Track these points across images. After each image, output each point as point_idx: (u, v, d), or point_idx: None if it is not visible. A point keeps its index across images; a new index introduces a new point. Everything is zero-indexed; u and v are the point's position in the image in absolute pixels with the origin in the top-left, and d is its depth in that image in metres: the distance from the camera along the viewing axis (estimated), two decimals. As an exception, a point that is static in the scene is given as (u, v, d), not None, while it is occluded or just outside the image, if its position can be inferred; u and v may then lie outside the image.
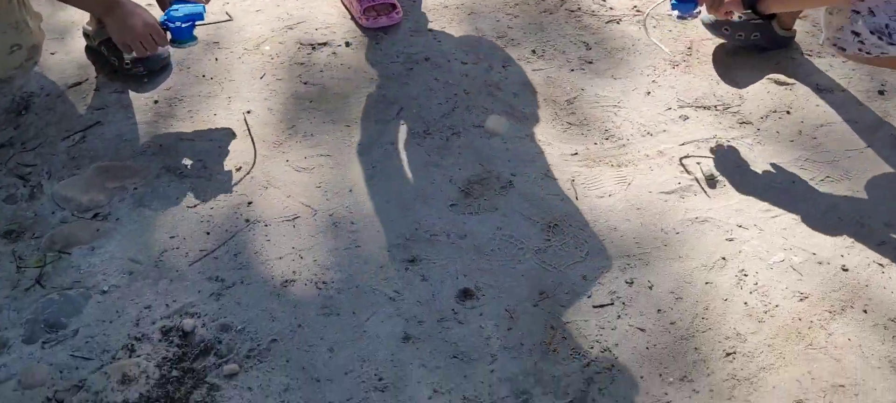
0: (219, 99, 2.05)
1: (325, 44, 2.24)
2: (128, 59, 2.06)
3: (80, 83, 2.10)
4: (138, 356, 1.47)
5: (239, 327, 1.52)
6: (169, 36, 1.90)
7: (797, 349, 1.47)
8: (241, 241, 1.69)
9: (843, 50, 1.83)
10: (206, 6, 1.96)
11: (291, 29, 2.30)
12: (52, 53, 2.19)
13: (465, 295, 1.58)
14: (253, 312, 1.55)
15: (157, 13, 1.95)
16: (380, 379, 1.44)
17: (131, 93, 2.06)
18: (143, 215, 1.74)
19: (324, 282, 1.61)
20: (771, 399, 1.40)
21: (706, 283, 1.60)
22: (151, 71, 2.10)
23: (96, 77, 2.11)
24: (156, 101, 2.05)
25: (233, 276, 1.61)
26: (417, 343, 1.49)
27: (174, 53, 2.13)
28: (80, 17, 2.24)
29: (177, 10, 1.90)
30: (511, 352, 1.48)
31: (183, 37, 1.91)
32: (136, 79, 2.09)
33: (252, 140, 1.92)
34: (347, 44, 2.24)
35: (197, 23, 1.91)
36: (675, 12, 2.00)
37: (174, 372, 1.45)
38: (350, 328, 1.52)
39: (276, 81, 2.11)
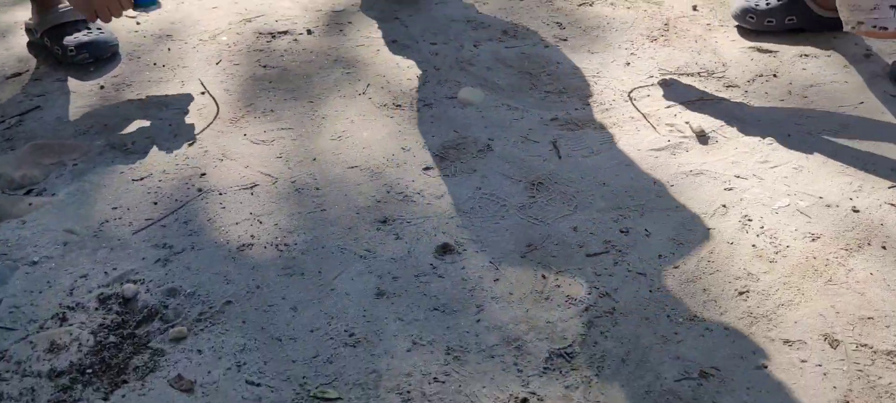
0: (171, 83, 1.90)
1: (285, 32, 2.12)
2: (72, 46, 1.92)
3: (19, 73, 1.94)
4: (71, 324, 1.27)
5: (188, 291, 1.33)
6: (133, 1, 1.78)
7: (816, 285, 1.33)
8: (193, 210, 1.51)
9: (885, 29, 1.70)
10: None
11: (250, 21, 2.18)
12: (-9, 49, 2.04)
13: (445, 249, 1.42)
14: (204, 276, 1.36)
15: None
16: (351, 335, 1.25)
17: (75, 81, 1.91)
18: (82, 189, 1.56)
19: (285, 244, 1.43)
20: (794, 333, 1.24)
21: (708, 229, 1.46)
22: (98, 58, 1.95)
23: (37, 68, 1.96)
24: (102, 87, 1.89)
25: (182, 243, 1.43)
26: (393, 299, 1.32)
27: (122, 45, 1.99)
28: (23, 16, 2.10)
29: None
30: (499, 302, 1.31)
31: (146, 0, 1.79)
32: (82, 68, 1.94)
33: (213, 98, 1.78)
34: (309, 31, 2.12)
35: None
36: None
37: (111, 339, 1.25)
38: (315, 287, 1.34)
39: (234, 66, 1.97)
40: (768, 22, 2.00)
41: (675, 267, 1.37)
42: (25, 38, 2.06)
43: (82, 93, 1.86)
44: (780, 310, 1.28)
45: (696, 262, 1.38)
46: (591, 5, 2.23)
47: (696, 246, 1.42)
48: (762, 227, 1.45)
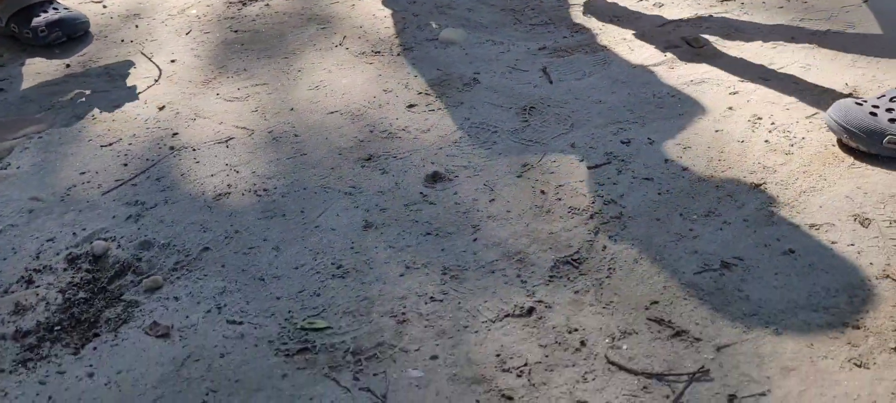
0: (139, 57, 1.81)
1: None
2: (43, 26, 1.83)
3: (-19, 63, 1.85)
4: (37, 286, 1.17)
5: (162, 243, 1.23)
6: None
7: (839, 170, 1.23)
8: (165, 167, 1.41)
9: None
10: None
11: (220, -6, 2.09)
12: (-48, 44, 1.95)
13: (435, 178, 1.32)
14: (179, 227, 1.26)
15: None
16: (338, 267, 1.15)
17: (42, 62, 1.82)
18: (48, 159, 1.46)
19: (264, 190, 1.33)
20: (820, 217, 1.14)
21: (716, 131, 1.36)
22: (70, 36, 1.87)
23: (1, 55, 1.87)
24: (68, 66, 1.80)
25: (154, 198, 1.34)
26: (382, 229, 1.22)
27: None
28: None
29: None
30: (496, 220, 1.21)
31: None
32: (48, 50, 1.85)
33: (155, 64, 1.69)
34: (282, -5, 2.04)
35: None
36: None
37: (81, 295, 1.15)
38: (298, 226, 1.24)
39: (204, 35, 1.88)
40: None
41: (684, 170, 1.27)
42: (14, 26, 1.97)
43: (48, 73, 1.77)
44: (803, 197, 1.18)
45: (706, 162, 1.28)
46: (572, -57, 2.14)
47: (705, 147, 1.32)
48: (773, 123, 1.35)
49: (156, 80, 1.69)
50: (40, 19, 1.85)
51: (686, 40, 1.63)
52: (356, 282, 1.12)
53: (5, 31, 1.90)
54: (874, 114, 1.22)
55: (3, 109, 1.65)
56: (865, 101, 1.25)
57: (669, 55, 1.60)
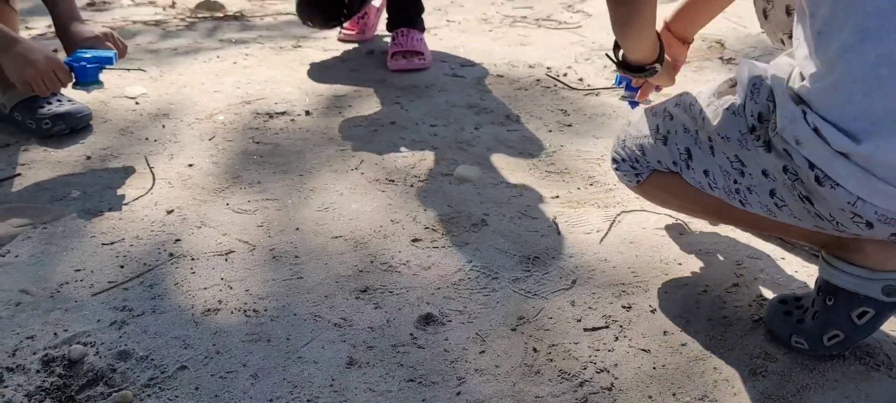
0: (160, 156, 1.84)
1: (283, 113, 2.08)
2: (47, 118, 1.88)
3: (8, 145, 1.90)
4: (6, 386, 1.15)
5: (141, 355, 1.20)
6: (73, 78, 1.72)
7: (841, 368, 1.17)
8: (160, 274, 1.40)
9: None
10: (117, 57, 1.79)
11: (249, 103, 2.14)
12: (-15, 123, 2.01)
13: (427, 320, 1.29)
14: (161, 340, 1.24)
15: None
16: (313, 405, 1.11)
17: (62, 152, 1.86)
18: (47, 251, 1.47)
19: (254, 310, 1.31)
20: (820, 417, 1.08)
21: (720, 307, 1.32)
22: (73, 128, 1.92)
23: (28, 140, 1.91)
24: (88, 157, 1.83)
25: (143, 306, 1.32)
26: (365, 368, 1.18)
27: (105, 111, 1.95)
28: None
29: (85, 52, 1.74)
30: (483, 375, 1.16)
31: (87, 78, 1.72)
32: (58, 138, 1.90)
33: (152, 173, 1.71)
34: (307, 112, 2.08)
35: (105, 66, 1.74)
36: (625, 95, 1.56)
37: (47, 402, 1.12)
38: (281, 354, 1.21)
39: (226, 143, 1.91)
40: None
41: (683, 345, 1.23)
42: (18, 115, 2.03)
43: (68, 163, 1.80)
44: (803, 394, 1.12)
45: (707, 340, 1.24)
46: (596, 95, 2.18)
47: (706, 322, 1.27)
48: (780, 307, 1.31)
49: (169, 184, 1.71)
50: (45, 111, 1.90)
51: (700, 206, 1.61)
52: (328, 425, 1.07)
53: (9, 117, 1.95)
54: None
55: (16, 194, 1.67)
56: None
57: (680, 219, 1.57)
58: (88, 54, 1.74)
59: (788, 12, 1.29)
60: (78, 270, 1.41)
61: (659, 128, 1.25)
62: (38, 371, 1.17)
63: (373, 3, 2.71)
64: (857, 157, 0.95)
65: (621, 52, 1.34)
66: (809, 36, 0.99)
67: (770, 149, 1.03)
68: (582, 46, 2.63)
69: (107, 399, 1.12)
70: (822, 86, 0.97)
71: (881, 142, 0.93)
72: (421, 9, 2.45)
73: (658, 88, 1.52)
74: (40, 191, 1.68)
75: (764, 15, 1.38)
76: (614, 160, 1.36)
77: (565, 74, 2.37)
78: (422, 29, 2.46)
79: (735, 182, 1.12)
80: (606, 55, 1.47)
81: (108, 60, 1.74)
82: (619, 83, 1.55)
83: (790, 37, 1.31)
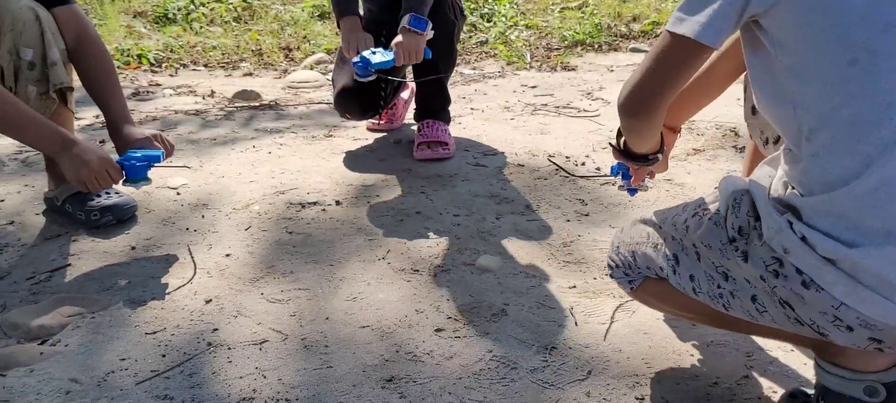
0: (199, 246, 1.96)
1: (314, 203, 2.19)
2: (96, 210, 2.02)
3: (58, 235, 2.03)
4: (57, 471, 1.24)
5: (181, 442, 1.29)
6: (124, 175, 1.87)
7: (848, 459, 1.22)
8: (199, 363, 1.50)
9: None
10: (164, 155, 1.94)
11: (283, 193, 2.27)
12: (37, 214, 2.15)
13: (449, 410, 1.36)
14: (200, 428, 1.32)
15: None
16: None
17: (108, 242, 1.98)
18: (95, 341, 1.57)
19: (286, 399, 1.39)
20: None
21: (730, 400, 1.37)
22: (120, 220, 2.05)
23: (77, 231, 2.04)
24: (133, 247, 1.96)
25: (183, 395, 1.41)
26: (389, 457, 1.25)
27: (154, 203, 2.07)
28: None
29: (135, 152, 1.90)
30: (501, 465, 1.23)
31: (137, 175, 1.87)
32: (106, 229, 2.02)
33: (194, 263, 1.82)
34: (338, 202, 2.19)
35: (153, 165, 1.89)
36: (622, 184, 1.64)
37: (95, 487, 1.20)
38: (311, 442, 1.29)
39: (261, 232, 2.03)
40: None
41: (693, 436, 1.28)
42: (69, 207, 2.17)
43: (113, 254, 1.92)
44: (809, 485, 1.17)
45: (716, 432, 1.29)
46: (614, 184, 2.27)
47: (716, 414, 1.33)
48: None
49: (208, 274, 1.82)
50: (94, 203, 2.03)
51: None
52: None
53: (59, 208, 2.08)
54: None
55: (67, 283, 1.79)
56: None
57: (694, 310, 1.64)
58: (138, 154, 1.88)
59: None
60: (123, 359, 1.51)
61: (650, 235, 1.33)
62: (86, 458, 1.26)
63: (401, 95, 2.86)
64: (843, 263, 1.02)
65: (623, 141, 1.43)
66: (805, 155, 1.06)
67: (747, 259, 1.10)
68: (600, 135, 2.73)
69: (149, 486, 1.20)
70: (817, 201, 1.04)
71: (870, 251, 1.00)
72: (447, 101, 2.58)
73: (652, 174, 1.60)
74: (89, 281, 1.80)
75: (752, 111, 1.46)
76: (609, 266, 1.44)
77: (583, 163, 2.46)
78: (447, 120, 2.58)
79: (718, 286, 1.19)
80: (609, 144, 1.55)
81: (157, 158, 1.88)
82: (616, 172, 1.61)
83: (775, 142, 1.40)
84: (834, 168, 1.03)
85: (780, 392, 1.38)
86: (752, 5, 1.04)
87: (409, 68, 2.62)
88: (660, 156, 1.42)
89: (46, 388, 1.43)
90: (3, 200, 2.24)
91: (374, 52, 2.28)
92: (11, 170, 2.50)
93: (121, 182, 1.87)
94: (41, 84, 1.91)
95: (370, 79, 2.31)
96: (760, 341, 1.53)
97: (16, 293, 1.75)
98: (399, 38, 2.26)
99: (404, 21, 2.25)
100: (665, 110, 1.18)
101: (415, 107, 2.62)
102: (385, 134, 2.81)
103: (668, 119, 1.52)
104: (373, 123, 2.84)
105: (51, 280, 1.80)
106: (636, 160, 1.44)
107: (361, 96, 2.48)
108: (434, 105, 2.55)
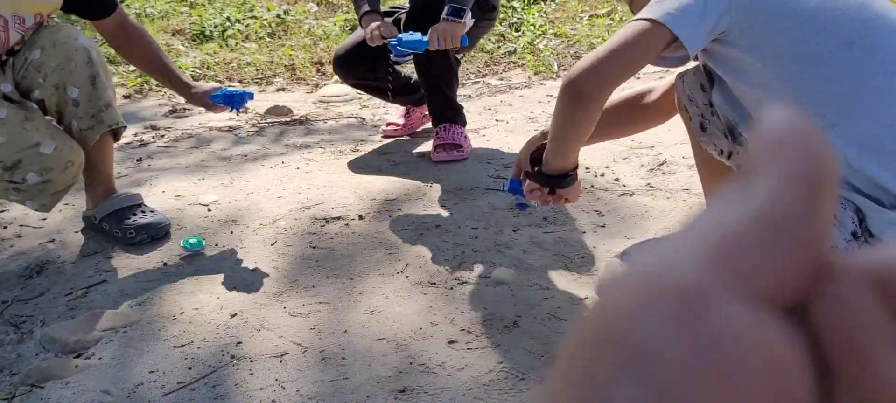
0: (227, 261, 2.04)
1: (338, 218, 2.26)
2: (132, 228, 2.11)
3: (96, 253, 2.13)
4: (88, 479, 1.32)
5: (203, 451, 1.36)
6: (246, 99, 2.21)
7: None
8: (223, 375, 1.57)
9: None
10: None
11: (308, 208, 2.34)
12: (75, 232, 2.26)
13: (458, 420, 1.41)
14: (222, 437, 1.40)
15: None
16: None
17: (142, 259, 2.08)
18: (126, 354, 1.66)
19: (303, 410, 1.46)
20: None
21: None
22: (154, 238, 2.14)
23: (113, 248, 2.15)
24: (165, 263, 2.05)
25: (207, 405, 1.49)
26: (399, 466, 1.31)
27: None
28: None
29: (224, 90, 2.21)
30: (505, 474, 1.28)
31: (238, 103, 2.24)
32: (140, 246, 2.12)
33: (220, 279, 1.88)
34: (361, 217, 2.26)
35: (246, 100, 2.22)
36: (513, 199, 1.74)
37: None
38: (325, 452, 1.35)
39: (286, 248, 2.10)
40: None
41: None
42: (106, 225, 2.27)
43: (147, 269, 2.02)
44: None
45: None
46: (631, 195, 2.29)
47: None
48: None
49: (235, 288, 1.90)
50: (130, 222, 2.13)
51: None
52: None
53: (97, 226, 2.19)
54: None
55: (102, 299, 1.89)
56: None
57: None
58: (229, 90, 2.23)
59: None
60: (152, 371, 1.59)
61: None
62: (115, 466, 1.34)
63: (423, 109, 2.94)
64: None
65: (538, 167, 1.48)
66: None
67: None
68: (620, 145, 2.76)
69: None
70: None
71: None
72: (457, 109, 2.73)
73: (567, 200, 1.62)
74: (123, 297, 1.89)
75: (701, 128, 1.52)
76: None
77: (603, 174, 2.49)
78: (462, 124, 2.74)
79: None
80: (522, 169, 1.61)
81: (250, 95, 2.26)
82: (508, 189, 1.69)
83: (728, 157, 1.47)
84: None
85: None
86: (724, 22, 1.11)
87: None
88: (577, 174, 1.46)
89: (80, 400, 1.52)
90: (44, 219, 2.36)
91: (411, 34, 2.42)
92: (54, 189, 2.62)
93: (228, 109, 2.20)
94: (83, 120, 2.04)
95: (406, 59, 2.55)
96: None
97: (54, 309, 1.85)
98: (437, 25, 2.44)
99: (444, 11, 2.45)
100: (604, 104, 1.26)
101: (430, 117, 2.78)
102: (407, 146, 2.88)
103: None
104: (389, 129, 3.01)
105: (87, 296, 1.90)
106: (552, 181, 1.47)
107: (352, 63, 2.79)
108: (445, 112, 2.70)
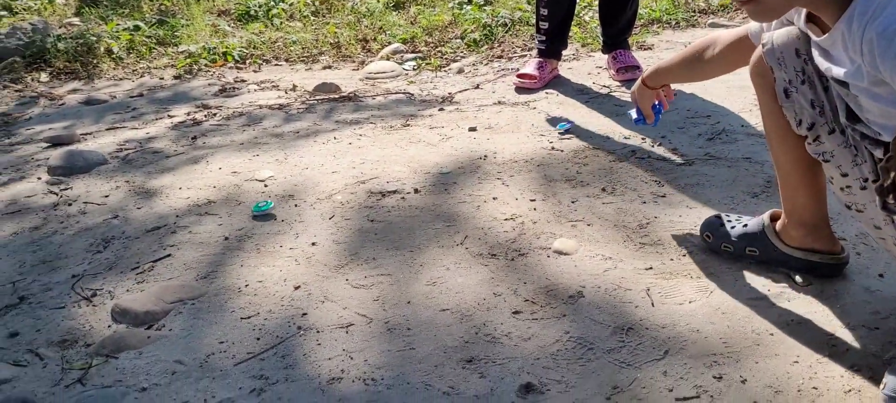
0: (287, 235, 2.06)
1: (394, 192, 2.27)
2: None
3: (159, 228, 2.17)
4: (167, 445, 1.35)
5: (277, 419, 1.38)
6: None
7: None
8: (291, 346, 1.59)
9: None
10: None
11: (364, 183, 2.35)
12: (138, 208, 2.30)
13: (528, 389, 1.41)
14: (294, 406, 1.41)
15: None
16: (426, 467, 1.25)
17: (205, 232, 2.11)
18: (195, 325, 1.69)
19: (372, 379, 1.47)
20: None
21: (811, 378, 1.37)
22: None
23: (175, 222, 2.18)
24: (226, 238, 2.07)
25: (277, 375, 1.50)
26: (471, 434, 1.31)
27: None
28: (173, 181, 2.37)
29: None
30: (579, 442, 1.27)
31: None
32: (200, 220, 2.15)
33: (281, 253, 1.89)
34: (416, 190, 2.26)
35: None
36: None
37: (201, 459, 1.30)
38: (397, 420, 1.36)
39: (344, 221, 2.11)
40: (725, 247, 1.76)
41: (772, 415, 1.29)
42: (168, 200, 2.31)
43: (210, 244, 2.05)
44: (892, 464, 1.16)
45: (796, 410, 1.29)
46: (690, 165, 2.25)
47: (795, 393, 1.33)
48: (871, 377, 1.35)
49: (296, 262, 1.92)
50: None
51: (795, 277, 1.66)
52: (439, 485, 1.20)
53: None
54: None
55: (168, 272, 1.92)
56: None
57: (773, 290, 1.63)
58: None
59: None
60: (221, 342, 1.62)
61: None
62: (192, 433, 1.37)
63: (557, 66, 3.29)
64: None
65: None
66: None
67: None
68: (676, 114, 2.71)
69: (250, 458, 1.30)
70: None
71: None
72: (629, 33, 3.30)
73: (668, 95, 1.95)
74: (187, 270, 1.92)
75: (785, 94, 1.48)
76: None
77: (660, 145, 2.46)
78: (630, 48, 3.31)
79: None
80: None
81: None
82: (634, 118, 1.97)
83: (809, 127, 1.44)
84: None
85: (864, 370, 1.37)
86: None
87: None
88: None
89: (154, 369, 1.55)
90: (107, 196, 2.40)
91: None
92: (114, 167, 2.67)
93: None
94: None
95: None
96: (844, 319, 1.51)
97: (123, 282, 1.89)
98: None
99: None
100: None
101: (602, 41, 3.33)
102: (458, 120, 2.86)
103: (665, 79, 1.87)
104: (522, 82, 3.19)
105: (154, 269, 1.94)
106: None
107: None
108: (618, 39, 3.24)
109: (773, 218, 1.70)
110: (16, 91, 4.00)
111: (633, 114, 1.98)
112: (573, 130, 2.62)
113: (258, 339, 1.62)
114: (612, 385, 1.39)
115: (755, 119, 2.60)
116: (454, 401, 1.39)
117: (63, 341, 1.67)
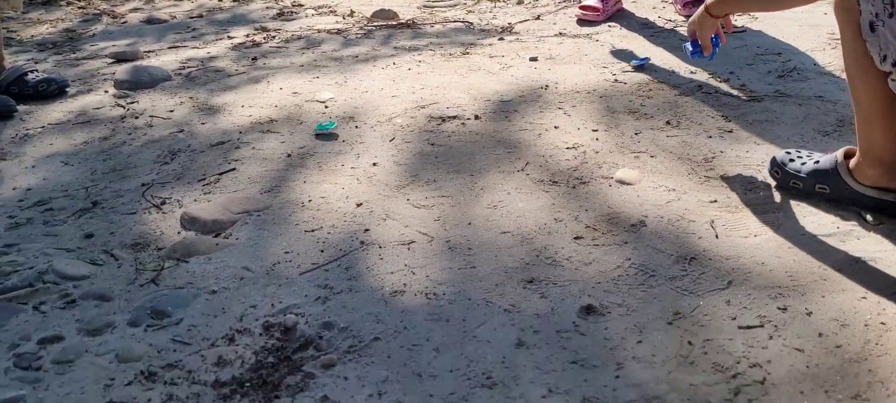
0: (348, 155, 2.08)
1: (454, 117, 2.27)
2: (40, 82, 2.61)
3: (223, 143, 2.21)
4: (237, 345, 1.40)
5: (342, 326, 1.42)
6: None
7: None
8: (354, 259, 1.62)
9: None
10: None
11: (423, 108, 2.35)
12: (202, 123, 2.34)
13: (588, 310, 1.41)
14: (357, 315, 1.45)
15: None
16: (488, 378, 1.27)
17: (268, 149, 2.14)
18: (261, 236, 1.73)
19: (434, 294, 1.49)
20: (977, 424, 1.11)
21: (879, 314, 1.35)
22: (61, 87, 2.70)
23: (238, 137, 2.22)
24: (289, 155, 2.10)
25: (341, 285, 1.54)
26: (532, 349, 1.33)
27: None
28: (236, 99, 2.40)
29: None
30: (640, 362, 1.28)
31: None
32: (263, 137, 2.17)
33: (343, 170, 1.91)
34: (477, 117, 2.25)
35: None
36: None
37: (270, 360, 1.35)
38: (458, 332, 1.38)
39: (404, 143, 2.12)
40: (794, 183, 1.73)
41: (838, 347, 1.28)
42: (231, 116, 2.35)
43: (273, 159, 2.08)
44: (962, 400, 1.15)
45: (862, 344, 1.28)
46: (759, 101, 2.20)
47: (862, 327, 1.31)
48: (944, 317, 1.33)
49: (358, 180, 1.94)
50: (33, 77, 2.63)
51: (866, 216, 1.63)
52: (501, 395, 1.23)
53: (7, 90, 2.62)
54: None
55: (234, 185, 1.96)
56: None
57: (842, 227, 1.60)
58: None
59: None
60: (287, 252, 1.66)
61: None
62: (260, 335, 1.42)
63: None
64: None
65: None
66: None
67: None
68: (746, 50, 2.64)
69: (316, 361, 1.34)
70: None
71: None
72: None
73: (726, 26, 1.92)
74: (252, 184, 1.96)
75: (870, 28, 1.41)
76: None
77: (727, 80, 2.40)
78: None
79: None
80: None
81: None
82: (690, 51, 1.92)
83: (893, 63, 1.37)
84: None
85: (935, 310, 1.34)
86: None
87: None
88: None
89: (223, 274, 1.60)
90: (172, 111, 2.45)
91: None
92: (177, 83, 2.72)
93: None
94: None
95: None
96: (915, 260, 1.48)
97: (190, 192, 1.94)
98: None
99: None
100: None
101: None
102: (517, 49, 2.83)
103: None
104: (585, 13, 3.12)
105: (219, 182, 1.98)
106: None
107: None
108: None
109: (847, 156, 1.66)
110: (79, 7, 4.07)
111: (689, 46, 1.93)
112: (646, 67, 2.56)
113: (322, 251, 1.66)
114: (674, 311, 1.40)
115: (828, 58, 2.51)
116: (514, 318, 1.41)
117: (135, 244, 1.73)
